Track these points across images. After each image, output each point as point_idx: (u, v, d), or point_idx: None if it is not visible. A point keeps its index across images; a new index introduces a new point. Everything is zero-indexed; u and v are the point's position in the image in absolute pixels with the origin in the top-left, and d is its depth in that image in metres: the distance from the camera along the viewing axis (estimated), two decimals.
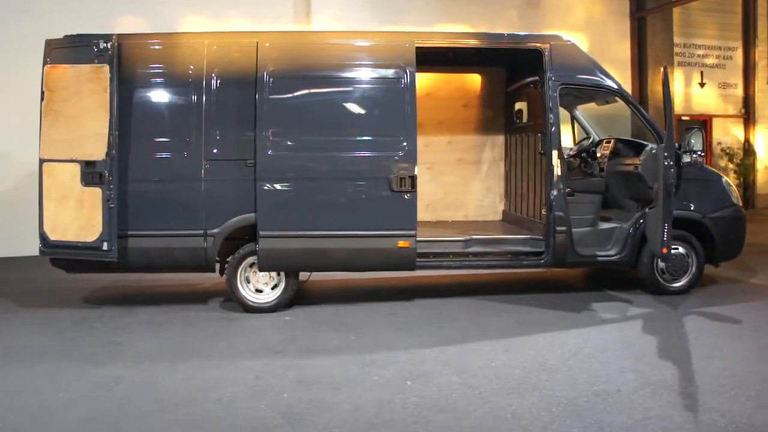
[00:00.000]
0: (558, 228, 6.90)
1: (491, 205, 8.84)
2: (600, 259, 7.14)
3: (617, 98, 7.28)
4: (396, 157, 6.61)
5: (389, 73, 6.72)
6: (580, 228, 7.26)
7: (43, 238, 6.51)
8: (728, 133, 15.21)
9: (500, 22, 13.09)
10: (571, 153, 8.54)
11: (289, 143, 6.58)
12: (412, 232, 6.67)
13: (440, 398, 4.41)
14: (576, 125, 8.84)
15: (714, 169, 7.65)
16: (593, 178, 7.80)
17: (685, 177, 7.17)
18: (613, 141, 7.89)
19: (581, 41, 13.38)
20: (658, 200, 6.31)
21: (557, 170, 6.90)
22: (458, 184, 8.73)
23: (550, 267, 7.08)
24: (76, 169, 6.38)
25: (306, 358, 5.31)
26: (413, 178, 6.61)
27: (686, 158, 7.01)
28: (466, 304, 7.01)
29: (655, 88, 13.64)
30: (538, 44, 7.04)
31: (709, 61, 14.93)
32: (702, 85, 14.82)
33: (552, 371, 4.88)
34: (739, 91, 15.26)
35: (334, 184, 6.64)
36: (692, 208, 7.21)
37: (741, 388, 4.50)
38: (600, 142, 8.21)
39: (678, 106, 14.35)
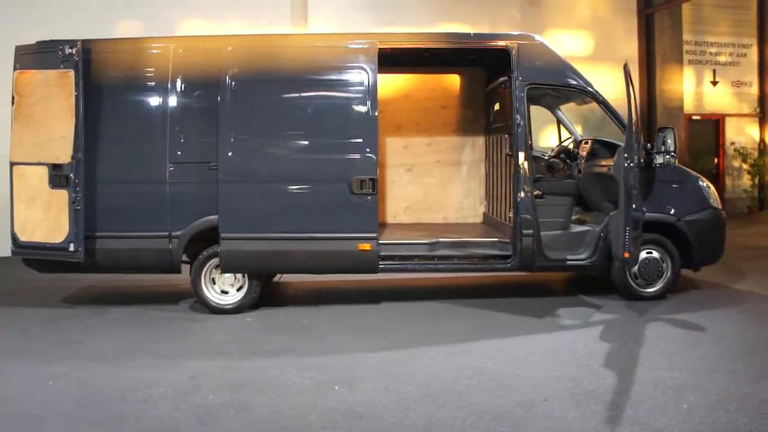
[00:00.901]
0: (524, 231, 6.79)
1: (471, 207, 8.75)
2: (570, 263, 7.00)
3: (589, 98, 7.15)
4: (356, 160, 6.60)
5: (350, 75, 6.71)
6: (550, 231, 7.14)
7: (13, 238, 6.71)
8: (743, 133, 14.75)
9: (501, 20, 12.95)
10: (552, 154, 8.40)
11: (249, 146, 6.62)
12: (373, 235, 6.65)
13: (360, 404, 4.38)
14: (561, 126, 8.70)
15: (691, 171, 7.42)
16: (565, 180, 7.66)
17: (659, 179, 7.00)
18: (590, 141, 7.73)
19: (586, 39, 13.26)
20: (619, 202, 6.16)
21: (523, 172, 6.79)
22: (438, 186, 8.66)
23: (517, 271, 6.97)
24: (43, 171, 6.54)
25: (247, 360, 5.34)
26: (374, 181, 6.59)
27: (659, 159, 6.83)
28: (432, 307, 6.95)
29: (663, 86, 13.32)
30: (505, 43, 6.94)
31: (722, 58, 14.49)
32: (714, 83, 14.40)
33: (485, 378, 4.79)
34: (754, 90, 14.77)
35: (294, 187, 6.67)
36: (666, 211, 7.02)
37: (676, 399, 4.36)
38: (580, 142, 8.06)
39: (688, 106, 13.97)
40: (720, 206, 7.32)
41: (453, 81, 8.68)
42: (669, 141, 6.78)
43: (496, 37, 7.13)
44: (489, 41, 7.16)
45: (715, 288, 7.67)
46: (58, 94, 6.48)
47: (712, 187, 7.31)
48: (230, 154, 6.57)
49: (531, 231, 6.78)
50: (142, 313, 6.91)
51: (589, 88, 6.99)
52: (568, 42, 13.08)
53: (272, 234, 6.63)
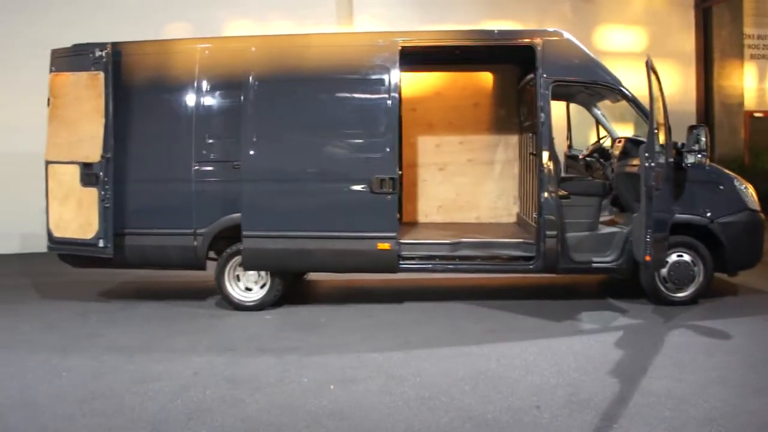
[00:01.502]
0: (548, 232, 6.61)
1: (505, 207, 8.57)
2: (595, 265, 6.76)
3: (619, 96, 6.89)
4: (377, 159, 6.59)
5: (372, 74, 6.69)
6: (577, 232, 6.92)
7: (49, 234, 7.03)
8: None
9: (551, 17, 12.61)
10: (586, 153, 8.15)
11: (271, 145, 6.70)
12: (393, 234, 6.62)
13: (351, 405, 4.38)
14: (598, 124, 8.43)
15: (727, 171, 7.04)
16: (597, 179, 7.40)
17: (691, 179, 6.69)
18: (623, 140, 7.46)
19: (640, 35, 12.77)
20: (641, 203, 5.91)
21: (547, 171, 6.62)
22: (470, 185, 8.53)
23: (540, 273, 6.79)
24: (75, 170, 6.81)
25: (253, 357, 5.41)
26: (394, 180, 6.55)
27: (690, 158, 6.52)
28: (453, 308, 6.86)
29: (722, 83, 12.70)
30: (530, 40, 6.78)
31: None
32: None
33: (483, 382, 4.70)
34: None
35: (314, 186, 6.71)
36: (698, 213, 6.70)
37: (674, 412, 4.14)
38: (615, 141, 7.79)
39: (750, 102, 13.24)
40: (759, 208, 6.92)
41: (485, 78, 8.53)
42: (702, 139, 6.46)
43: (521, 34, 6.97)
44: (513, 38, 7.01)
45: (754, 294, 7.27)
46: (89, 95, 6.74)
47: (751, 188, 6.91)
48: (252, 153, 6.67)
49: (555, 232, 6.60)
50: (169, 308, 7.09)
51: (617, 86, 6.75)
52: (621, 38, 12.67)
53: (293, 232, 6.69)
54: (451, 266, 6.88)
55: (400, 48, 6.69)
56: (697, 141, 6.48)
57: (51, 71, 6.94)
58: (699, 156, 6.48)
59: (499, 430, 3.96)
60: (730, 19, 12.69)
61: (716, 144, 12.07)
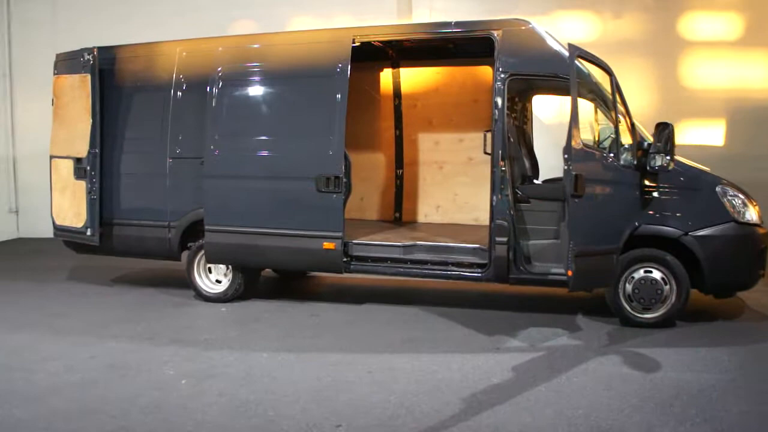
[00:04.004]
0: (498, 238, 6.15)
1: None
2: (553, 277, 6.14)
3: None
4: (323, 157, 6.51)
5: (322, 71, 6.63)
6: (540, 240, 6.36)
7: (53, 222, 7.77)
8: None
9: (629, 6, 11.51)
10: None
11: (230, 143, 6.87)
12: (338, 234, 6.52)
13: (178, 400, 4.44)
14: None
15: (709, 175, 6.03)
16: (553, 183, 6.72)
17: (661, 184, 5.86)
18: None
19: (734, 23, 11.21)
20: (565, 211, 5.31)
21: (499, 173, 6.15)
22: (469, 185, 8.09)
23: (491, 282, 6.32)
24: (70, 164, 7.48)
25: (158, 346, 5.63)
26: (338, 179, 6.44)
27: (658, 161, 5.71)
28: (401, 313, 6.63)
29: None
30: (489, 30, 6.31)
31: None
32: None
33: (317, 395, 4.51)
34: None
35: (267, 183, 6.78)
36: (670, 224, 5.85)
37: None
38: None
39: None
40: (755, 221, 5.89)
41: (485, 73, 7.99)
42: (667, 139, 5.63)
43: (479, 25, 6.46)
44: (470, 30, 6.54)
45: (758, 320, 6.20)
46: (80, 96, 7.36)
47: (743, 197, 5.89)
48: (213, 149, 6.89)
49: (505, 239, 6.12)
50: (149, 296, 7.50)
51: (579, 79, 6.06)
52: (710, 26, 11.22)
53: (248, 228, 6.81)
54: (402, 270, 6.62)
55: (352, 44, 6.54)
56: (667, 140, 5.65)
57: (54, 74, 7.65)
58: (667, 158, 5.64)
59: None
60: None
61: None
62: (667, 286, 5.85)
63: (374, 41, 6.82)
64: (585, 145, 5.53)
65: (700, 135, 11.43)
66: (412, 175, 8.41)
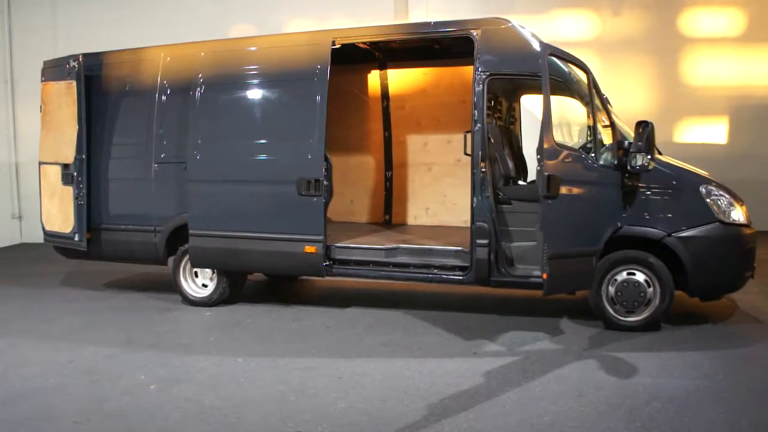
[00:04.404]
0: (479, 241, 6.07)
1: None
2: (534, 279, 6.03)
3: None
4: (303, 160, 6.47)
5: (302, 74, 6.58)
6: (522, 242, 6.26)
7: (42, 228, 7.81)
8: None
9: (629, 3, 11.37)
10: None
11: (212, 147, 6.85)
12: (319, 238, 6.47)
13: (140, 405, 4.43)
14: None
15: (696, 175, 5.88)
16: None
17: (643, 184, 5.75)
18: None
19: (736, 17, 11.00)
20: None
21: (480, 174, 6.07)
22: (458, 187, 7.97)
23: (473, 285, 6.24)
24: (58, 170, 7.51)
25: (133, 352, 5.64)
26: (319, 182, 6.39)
27: (638, 160, 5.59)
28: (383, 317, 6.56)
29: None
30: (468, 30, 6.23)
31: None
32: None
33: (263, 401, 4.49)
34: None
35: (249, 187, 6.74)
36: (651, 224, 5.73)
37: None
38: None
39: None
40: (741, 221, 5.75)
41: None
42: (647, 138, 5.51)
43: (458, 25, 6.37)
44: (450, 30, 6.45)
45: (748, 323, 6.05)
46: (67, 102, 7.38)
47: (729, 197, 5.75)
48: (196, 154, 6.88)
49: (486, 241, 6.04)
50: (142, 300, 7.52)
51: (558, 78, 5.98)
52: (712, 22, 11.07)
53: (231, 232, 6.79)
54: (384, 273, 6.56)
55: (331, 47, 6.50)
56: (647, 139, 5.53)
57: (41, 81, 7.69)
58: (648, 157, 5.52)
59: None
60: None
61: None
62: (651, 289, 5.73)
63: (357, 43, 6.76)
64: (559, 144, 5.44)
65: (702, 133, 11.27)
66: (401, 177, 8.35)
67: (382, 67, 8.26)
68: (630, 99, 11.25)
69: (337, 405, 4.38)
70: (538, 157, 5.14)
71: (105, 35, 12.03)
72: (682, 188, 5.75)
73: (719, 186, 5.83)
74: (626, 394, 4.45)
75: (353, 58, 8.03)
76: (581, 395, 4.45)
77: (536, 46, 5.99)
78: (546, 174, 5.11)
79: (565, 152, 5.48)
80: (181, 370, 5.12)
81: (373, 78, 8.36)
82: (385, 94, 8.31)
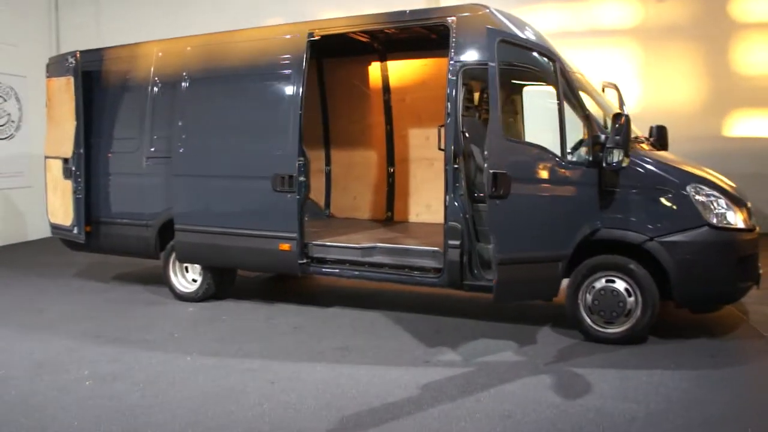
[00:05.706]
0: (451, 241, 5.73)
1: None
2: None
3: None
4: (278, 156, 6.32)
5: (279, 67, 6.43)
6: None
7: (48, 220, 8.02)
8: None
9: None
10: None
11: (193, 141, 6.81)
12: (293, 235, 6.31)
13: (66, 401, 4.42)
14: None
15: (680, 173, 5.28)
16: None
17: (623, 183, 5.23)
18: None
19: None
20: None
21: (452, 171, 5.73)
22: None
23: (446, 287, 5.89)
24: (60, 164, 7.68)
25: (98, 345, 5.65)
26: (293, 178, 6.22)
27: (615, 156, 5.08)
28: (357, 318, 6.37)
29: None
30: (444, 18, 5.89)
31: None
32: None
33: (210, 402, 4.36)
34: None
35: (227, 182, 6.66)
36: (632, 228, 5.20)
37: None
38: None
39: None
40: (735, 224, 5.12)
41: None
42: (625, 132, 4.99)
43: (434, 12, 6.07)
44: (426, 18, 6.13)
45: (748, 338, 5.42)
46: (67, 98, 7.52)
47: (725, 198, 5.13)
48: (180, 148, 6.86)
49: (458, 242, 5.69)
50: (137, 293, 7.60)
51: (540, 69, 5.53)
52: (766, 4, 10.09)
53: (211, 228, 6.73)
54: (357, 273, 6.31)
55: (309, 38, 6.30)
56: (623, 134, 5.01)
57: (46, 77, 7.87)
58: (622, 153, 5.01)
59: None
60: None
61: None
62: (632, 298, 5.21)
63: (349, 33, 6.57)
64: (510, 139, 5.01)
65: (754, 126, 10.31)
66: (403, 173, 8.07)
67: (383, 58, 7.98)
68: (675, 90, 10.49)
69: (252, 411, 4.21)
70: (485, 153, 4.75)
71: (146, 30, 12.28)
72: (666, 188, 5.16)
73: (713, 186, 5.23)
74: (563, 418, 4.04)
75: (355, 49, 7.84)
76: (510, 416, 4.08)
77: (515, 34, 5.58)
78: (492, 172, 4.72)
79: (517, 147, 5.04)
80: (126, 367, 5.09)
81: (374, 70, 8.11)
82: (386, 87, 8.04)
